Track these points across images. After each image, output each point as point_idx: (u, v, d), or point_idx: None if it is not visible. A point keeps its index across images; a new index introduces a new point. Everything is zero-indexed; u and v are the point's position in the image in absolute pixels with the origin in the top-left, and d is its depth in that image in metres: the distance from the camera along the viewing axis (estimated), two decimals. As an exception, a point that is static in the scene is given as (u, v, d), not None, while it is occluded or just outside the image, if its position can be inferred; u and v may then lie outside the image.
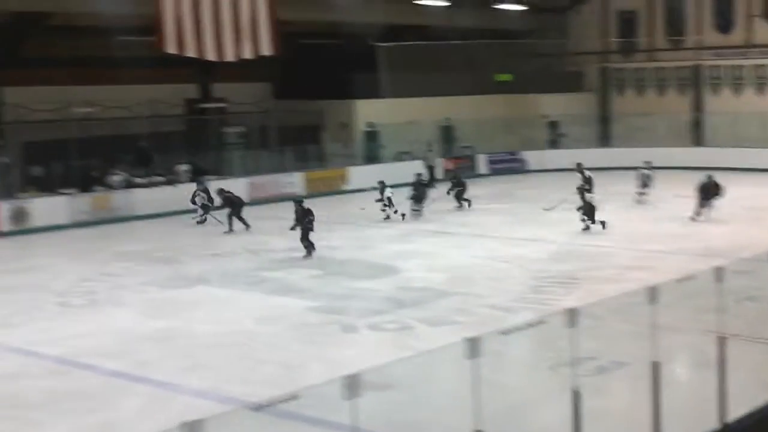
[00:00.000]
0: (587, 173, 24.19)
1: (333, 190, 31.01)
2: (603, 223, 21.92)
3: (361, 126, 34.27)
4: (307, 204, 20.73)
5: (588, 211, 22.11)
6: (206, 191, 24.85)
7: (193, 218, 24.60)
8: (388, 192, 24.86)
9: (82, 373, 12.32)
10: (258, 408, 6.26)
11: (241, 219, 23.68)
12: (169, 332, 14.17)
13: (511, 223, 24.07)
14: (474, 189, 32.04)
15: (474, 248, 20.78)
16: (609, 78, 40.41)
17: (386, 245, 21.33)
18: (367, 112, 34.33)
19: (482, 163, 36.47)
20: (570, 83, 40.12)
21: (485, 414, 7.56)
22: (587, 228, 21.97)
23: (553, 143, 38.19)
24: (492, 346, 7.86)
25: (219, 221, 23.85)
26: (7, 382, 11.99)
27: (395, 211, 24.76)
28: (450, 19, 36.19)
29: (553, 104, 38.30)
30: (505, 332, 8.23)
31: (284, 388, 8.50)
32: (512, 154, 37.15)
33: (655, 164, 27.93)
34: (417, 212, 25.21)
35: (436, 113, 35.82)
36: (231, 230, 23.42)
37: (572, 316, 8.12)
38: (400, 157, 33.93)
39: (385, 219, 24.73)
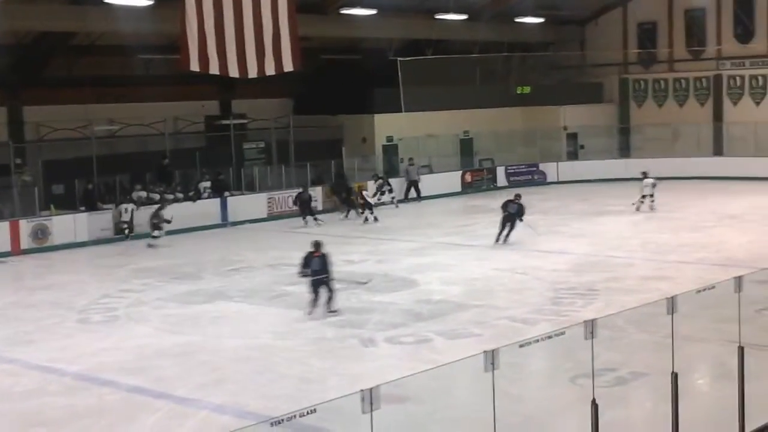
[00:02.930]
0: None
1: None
2: None
3: (380, 140, 34.33)
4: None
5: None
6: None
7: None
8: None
9: (102, 389, 12.33)
10: (277, 422, 6.24)
11: None
12: (189, 348, 14.20)
13: (529, 235, 23.99)
14: (493, 201, 32.05)
15: (492, 260, 20.73)
16: (629, 89, 40.32)
17: (404, 258, 21.32)
18: (387, 126, 34.38)
19: (501, 175, 36.43)
20: (589, 94, 40.04)
21: (504, 426, 7.54)
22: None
23: (573, 155, 38.12)
24: (510, 358, 7.84)
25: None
26: (27, 399, 12.02)
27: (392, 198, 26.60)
28: (469, 33, 36.22)
29: (572, 116, 38.27)
30: (524, 344, 8.20)
31: (303, 402, 8.54)
32: (531, 166, 37.10)
33: (674, 175, 27.83)
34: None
35: (456, 126, 35.88)
36: None
37: (591, 327, 8.10)
38: (419, 170, 33.99)
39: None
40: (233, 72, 26.30)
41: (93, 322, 16.26)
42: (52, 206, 25.66)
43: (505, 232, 22.62)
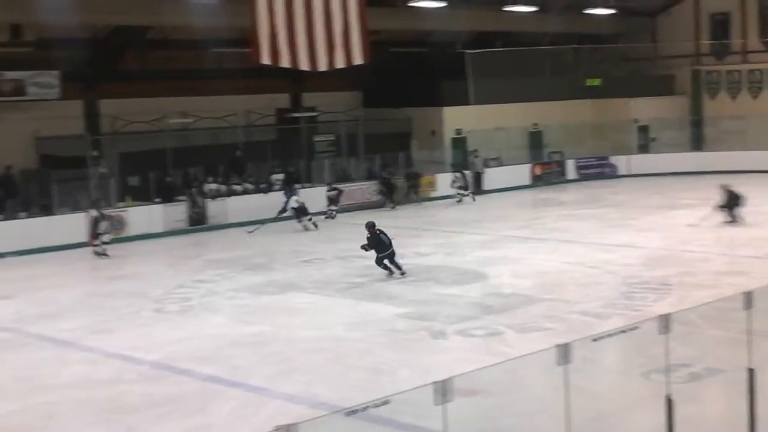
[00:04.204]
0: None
1: (421, 197, 31.17)
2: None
3: (449, 133, 34.33)
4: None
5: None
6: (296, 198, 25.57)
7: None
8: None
9: (178, 378, 12.56)
10: (350, 412, 6.34)
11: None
12: (262, 338, 14.39)
13: (600, 228, 23.84)
14: (562, 194, 31.94)
15: (563, 254, 20.63)
16: (701, 81, 39.66)
17: (474, 251, 21.33)
18: (455, 118, 34.36)
19: (571, 169, 36.18)
20: (661, 87, 39.50)
21: (577, 421, 7.56)
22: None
23: (644, 148, 37.68)
24: (583, 352, 7.84)
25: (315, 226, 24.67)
26: (105, 387, 12.27)
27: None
28: (538, 25, 36.04)
29: (643, 108, 37.79)
30: (597, 338, 8.20)
31: (374, 393, 8.61)
32: (601, 159, 36.76)
33: (748, 168, 27.31)
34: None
35: (525, 119, 35.70)
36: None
37: (665, 322, 8.06)
38: (488, 163, 33.93)
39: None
40: (303, 65, 26.58)
41: (169, 312, 16.58)
42: (128, 198, 26.20)
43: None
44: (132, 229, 24.38)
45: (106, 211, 23.38)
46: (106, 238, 22.65)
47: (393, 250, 18.63)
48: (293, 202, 25.79)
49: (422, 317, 15.24)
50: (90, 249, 22.57)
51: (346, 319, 15.43)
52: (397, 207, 29.30)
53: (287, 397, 11.41)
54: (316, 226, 25.74)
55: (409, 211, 28.94)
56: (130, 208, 25.45)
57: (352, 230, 24.81)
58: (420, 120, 34.21)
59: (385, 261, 18.53)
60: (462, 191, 30.75)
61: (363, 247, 18.80)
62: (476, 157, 33.11)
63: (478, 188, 32.49)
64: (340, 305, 16.62)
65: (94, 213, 22.91)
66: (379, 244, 18.56)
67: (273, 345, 13.98)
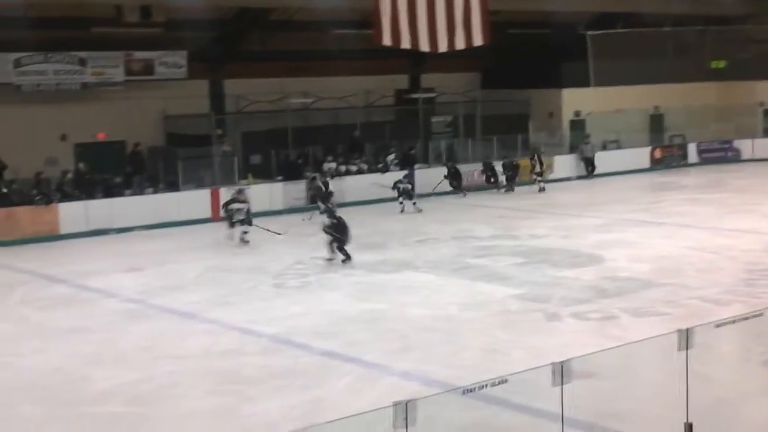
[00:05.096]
0: None
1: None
2: None
3: (567, 115, 33.98)
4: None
5: None
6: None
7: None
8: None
9: (296, 351, 12.83)
10: (467, 390, 6.45)
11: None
12: (377, 315, 14.59)
13: (721, 213, 23.30)
14: (683, 178, 31.31)
15: (682, 238, 20.26)
16: (833, 63, 38.17)
17: (590, 234, 21.14)
18: (574, 100, 33.99)
19: (693, 152, 35.38)
20: (789, 69, 38.18)
21: (695, 407, 7.50)
22: None
23: (769, 131, 36.61)
24: (702, 338, 7.77)
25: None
26: (225, 358, 12.63)
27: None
28: (661, 6, 35.23)
29: (770, 91, 36.67)
30: (720, 324, 8.10)
31: (487, 373, 8.70)
32: (725, 142, 35.84)
33: None
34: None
35: (645, 101, 35.07)
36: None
37: (787, 309, 7.92)
38: (606, 146, 33.48)
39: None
40: (424, 46, 26.68)
41: (287, 287, 16.96)
42: (249, 175, 26.83)
43: None
44: (253, 207, 24.90)
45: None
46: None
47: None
48: (403, 183, 25.91)
49: (536, 299, 15.23)
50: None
51: (459, 298, 15.52)
52: (466, 195, 28.39)
53: (401, 374, 11.56)
54: (419, 210, 25.62)
55: (524, 194, 28.80)
56: (251, 186, 26.04)
57: (467, 211, 24.92)
58: (538, 102, 33.97)
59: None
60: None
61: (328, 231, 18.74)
62: (586, 143, 32.49)
63: (588, 174, 31.96)
64: (454, 285, 16.70)
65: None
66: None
67: (388, 322, 14.18)
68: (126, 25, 26.40)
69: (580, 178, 31.33)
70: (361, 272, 17.94)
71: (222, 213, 22.18)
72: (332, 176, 27.11)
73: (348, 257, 18.50)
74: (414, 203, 25.61)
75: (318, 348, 12.86)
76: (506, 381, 6.54)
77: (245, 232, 21.37)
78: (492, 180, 29.63)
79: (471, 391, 6.48)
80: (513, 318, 14.25)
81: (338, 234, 18.61)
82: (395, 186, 25.69)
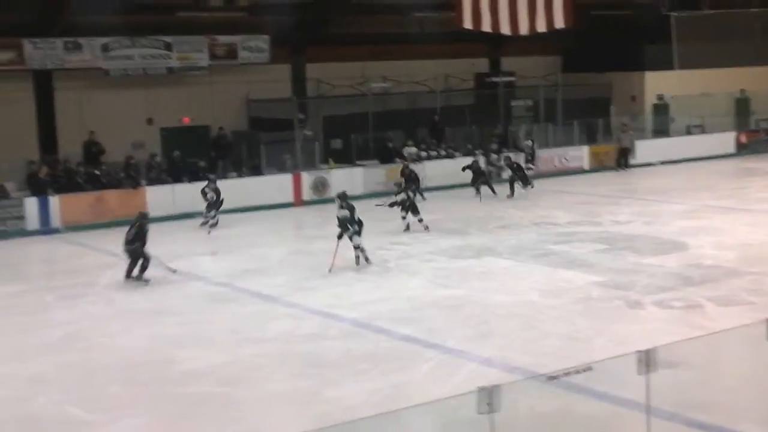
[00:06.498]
0: None
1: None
2: None
3: (650, 99, 33.48)
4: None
5: None
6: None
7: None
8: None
9: (377, 336, 12.92)
10: (551, 377, 6.46)
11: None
12: (457, 301, 14.60)
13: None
14: (768, 164, 30.61)
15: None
16: None
17: (674, 221, 20.83)
18: (657, 84, 33.48)
19: (780, 138, 34.60)
20: None
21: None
22: None
23: None
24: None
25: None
26: (308, 342, 12.77)
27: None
28: (750, -14, 34.53)
29: None
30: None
31: (569, 361, 8.69)
32: (816, 127, 34.95)
33: None
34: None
35: (731, 85, 34.34)
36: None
37: None
38: (691, 130, 32.90)
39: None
40: (505, 29, 26.61)
41: (367, 272, 17.03)
42: (330, 160, 27.04)
43: None
44: (334, 191, 25.13)
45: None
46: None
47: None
48: (480, 163, 25.85)
49: (618, 286, 15.07)
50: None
51: (541, 285, 15.44)
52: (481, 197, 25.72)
53: (482, 360, 11.55)
54: (494, 192, 25.46)
55: (608, 179, 28.50)
56: (332, 170, 26.27)
57: (548, 197, 24.74)
58: (620, 85, 33.57)
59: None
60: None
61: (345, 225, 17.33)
62: (624, 132, 31.35)
63: (624, 164, 30.77)
64: (535, 271, 16.62)
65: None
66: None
67: (468, 308, 14.17)
68: (210, 10, 26.81)
69: (615, 170, 30.39)
70: (441, 258, 17.96)
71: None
72: (414, 161, 27.16)
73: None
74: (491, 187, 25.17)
75: (399, 333, 12.92)
76: (591, 369, 6.52)
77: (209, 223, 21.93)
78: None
79: (555, 377, 6.49)
80: (594, 305, 14.12)
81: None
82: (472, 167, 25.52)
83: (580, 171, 30.12)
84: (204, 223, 22.10)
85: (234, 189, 24.56)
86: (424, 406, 7.47)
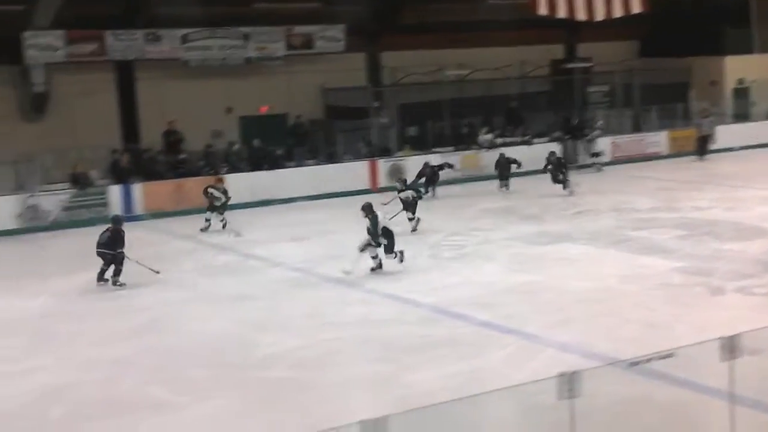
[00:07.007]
0: None
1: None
2: None
3: (730, 83, 32.86)
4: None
5: None
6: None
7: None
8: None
9: (454, 322, 12.95)
10: (632, 364, 6.44)
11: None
12: (535, 287, 14.57)
13: None
14: None
15: None
16: None
17: (756, 206, 20.46)
18: (738, 68, 32.86)
19: None
20: None
21: None
22: None
23: None
24: None
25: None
26: (386, 327, 12.87)
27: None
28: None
29: None
30: None
31: (649, 347, 8.60)
32: None
33: None
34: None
35: (816, 68, 33.54)
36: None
37: None
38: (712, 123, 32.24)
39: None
40: (580, 15, 26.40)
41: (443, 258, 17.14)
42: (406, 147, 27.13)
43: None
44: (410, 178, 25.20)
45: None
46: None
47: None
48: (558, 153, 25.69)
49: (699, 272, 14.89)
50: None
51: (619, 271, 15.31)
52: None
53: (560, 346, 11.52)
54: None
55: (687, 164, 28.09)
56: (408, 157, 26.34)
57: (627, 182, 24.48)
58: (699, 70, 32.98)
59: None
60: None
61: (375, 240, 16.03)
62: (705, 116, 30.60)
63: (703, 152, 29.85)
64: (614, 257, 16.51)
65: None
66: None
67: (546, 294, 14.15)
68: (286, 0, 27.03)
69: (698, 156, 29.61)
70: (518, 244, 17.94)
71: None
72: (489, 148, 27.13)
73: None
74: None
75: (476, 319, 12.94)
76: (673, 355, 6.48)
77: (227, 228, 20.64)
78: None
79: (636, 363, 6.46)
80: (675, 292, 13.97)
81: None
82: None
83: (658, 156, 29.69)
84: (223, 225, 20.79)
85: (312, 176, 24.82)
86: (503, 391, 7.49)
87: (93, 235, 16.73)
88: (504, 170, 25.04)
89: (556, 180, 23.58)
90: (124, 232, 16.23)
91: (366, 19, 28.39)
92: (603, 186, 24.67)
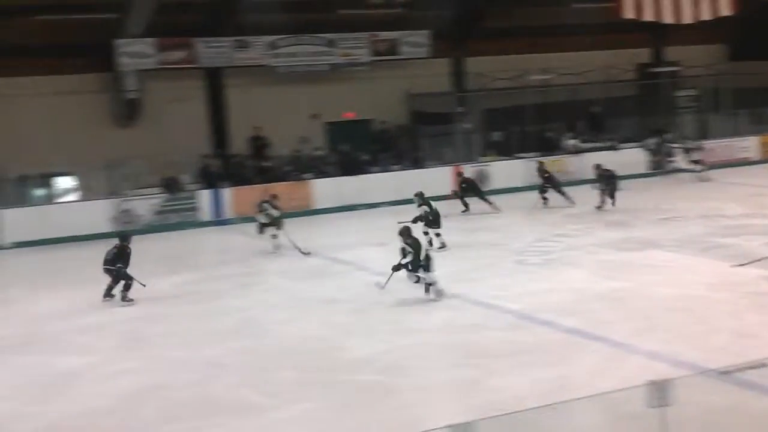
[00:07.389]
0: None
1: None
2: None
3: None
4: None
5: None
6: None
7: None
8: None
9: (541, 328, 12.89)
10: (724, 372, 6.39)
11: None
12: (622, 293, 14.41)
13: None
14: None
15: None
16: None
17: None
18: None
19: None
20: None
21: None
22: None
23: None
24: None
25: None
26: (471, 332, 12.88)
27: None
28: None
29: None
30: None
31: (739, 357, 8.49)
32: None
33: None
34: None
35: None
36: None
37: None
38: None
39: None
40: (667, 18, 26.06)
41: (530, 264, 17.06)
42: (490, 152, 27.11)
43: None
44: (495, 183, 25.23)
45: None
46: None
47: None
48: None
49: (791, 281, 14.61)
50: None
51: (708, 278, 15.07)
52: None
53: (648, 354, 11.37)
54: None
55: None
56: (492, 163, 26.32)
57: (716, 189, 24.06)
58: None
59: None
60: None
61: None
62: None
63: None
64: (703, 264, 16.25)
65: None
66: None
67: (633, 301, 13.98)
68: (370, 7, 27.25)
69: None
70: (605, 250, 17.79)
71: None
72: (572, 153, 26.96)
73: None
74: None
75: (563, 325, 12.87)
76: (767, 365, 6.40)
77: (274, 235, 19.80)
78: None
79: (728, 373, 6.40)
80: (765, 300, 13.68)
81: None
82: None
83: (748, 162, 29.13)
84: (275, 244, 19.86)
85: (396, 181, 24.95)
86: (591, 399, 7.47)
87: (183, 239, 17.08)
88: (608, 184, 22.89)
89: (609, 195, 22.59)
90: (130, 249, 16.03)
91: (450, 24, 28.46)
92: (691, 192, 24.29)
